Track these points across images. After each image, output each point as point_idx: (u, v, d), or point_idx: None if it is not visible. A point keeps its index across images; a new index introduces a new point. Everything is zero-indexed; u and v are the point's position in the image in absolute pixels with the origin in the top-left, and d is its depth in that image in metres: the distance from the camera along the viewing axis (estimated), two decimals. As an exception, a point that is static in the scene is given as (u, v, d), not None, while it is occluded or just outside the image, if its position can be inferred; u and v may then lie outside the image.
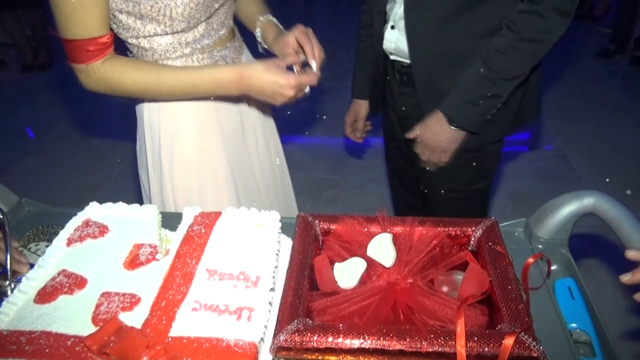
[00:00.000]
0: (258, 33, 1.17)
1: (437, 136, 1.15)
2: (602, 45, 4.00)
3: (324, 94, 3.40)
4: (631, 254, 0.69)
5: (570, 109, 3.27)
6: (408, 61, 1.17)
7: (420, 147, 1.20)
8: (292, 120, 3.21)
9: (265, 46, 1.16)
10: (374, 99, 1.41)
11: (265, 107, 1.25)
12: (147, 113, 1.09)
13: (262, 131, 1.26)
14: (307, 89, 0.99)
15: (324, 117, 3.21)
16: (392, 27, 1.19)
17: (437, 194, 1.33)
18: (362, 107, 1.46)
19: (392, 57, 1.24)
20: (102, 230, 0.85)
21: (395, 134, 1.41)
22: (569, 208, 0.89)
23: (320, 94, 3.35)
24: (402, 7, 1.11)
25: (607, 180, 2.55)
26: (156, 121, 1.09)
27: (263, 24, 1.15)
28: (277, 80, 0.94)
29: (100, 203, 0.92)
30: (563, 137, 2.97)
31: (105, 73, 0.93)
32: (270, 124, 1.31)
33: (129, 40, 1.01)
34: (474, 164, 1.25)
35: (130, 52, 1.05)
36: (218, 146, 1.12)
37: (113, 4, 0.93)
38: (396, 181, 1.58)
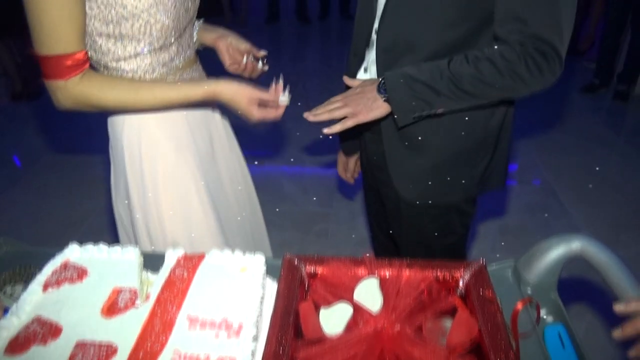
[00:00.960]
0: (195, 26, 1.23)
1: (362, 91, 1.04)
2: (587, 79, 4.09)
3: (313, 124, 3.42)
4: (619, 309, 0.68)
5: (558, 142, 3.31)
6: None
7: (342, 96, 1.06)
8: (282, 150, 3.22)
9: (201, 47, 1.25)
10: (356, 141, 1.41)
11: (229, 128, 1.32)
12: (127, 132, 1.08)
13: (229, 148, 1.30)
14: (284, 100, 1.03)
15: (314, 148, 3.22)
16: (365, 70, 1.17)
17: (408, 241, 1.31)
18: (351, 157, 1.48)
19: None
20: (81, 273, 0.82)
21: (367, 177, 1.40)
22: (557, 252, 0.88)
23: (310, 124, 3.36)
24: (374, 50, 1.10)
25: (594, 212, 2.57)
26: (136, 141, 1.08)
27: (201, 31, 1.24)
28: (246, 110, 1.01)
29: (85, 235, 0.90)
30: (551, 171, 3.00)
31: (83, 88, 0.94)
32: (235, 144, 1.35)
33: (109, 64, 1.02)
34: (440, 221, 1.22)
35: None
36: (195, 167, 1.14)
37: (93, 29, 0.95)
38: (373, 222, 1.56)
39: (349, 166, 1.51)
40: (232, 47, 1.22)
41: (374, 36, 1.11)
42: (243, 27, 5.80)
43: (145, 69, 1.03)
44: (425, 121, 1.07)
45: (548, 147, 3.23)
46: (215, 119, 1.26)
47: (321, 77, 4.28)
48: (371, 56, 1.13)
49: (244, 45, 1.23)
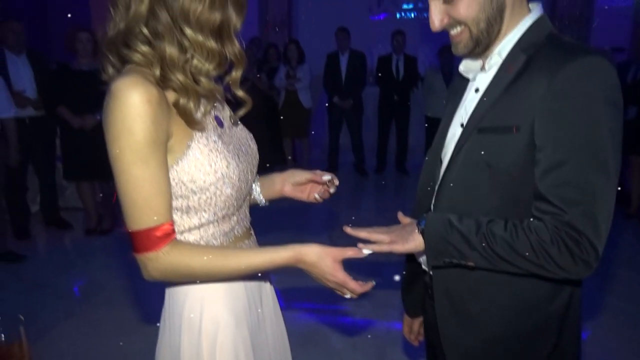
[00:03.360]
0: (257, 189, 1.26)
1: (404, 225, 1.08)
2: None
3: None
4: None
5: (631, 315, 3.04)
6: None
7: (386, 227, 1.09)
8: (331, 299, 3.15)
9: (263, 200, 1.27)
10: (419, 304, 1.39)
11: (275, 296, 1.28)
12: (189, 304, 1.07)
13: (274, 315, 1.26)
14: (348, 295, 1.03)
15: (365, 298, 3.14)
16: None
17: None
18: (415, 319, 1.45)
19: (423, 267, 1.21)
20: None
21: (428, 337, 1.35)
22: None
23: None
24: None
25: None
26: (197, 315, 1.07)
27: (262, 180, 1.27)
28: (331, 275, 0.99)
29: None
30: (627, 346, 2.71)
31: (173, 258, 0.95)
32: (279, 310, 1.30)
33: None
34: None
35: None
36: (249, 341, 1.11)
37: None
38: None
39: (413, 328, 1.47)
40: (296, 187, 1.26)
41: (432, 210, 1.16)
42: (303, 177, 6.17)
43: (208, 239, 1.06)
44: (479, 294, 1.06)
45: (620, 319, 2.97)
46: (266, 287, 1.25)
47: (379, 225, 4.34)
48: None
49: (303, 177, 1.26)
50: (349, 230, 1.05)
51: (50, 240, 4.40)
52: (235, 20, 0.99)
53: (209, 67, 0.98)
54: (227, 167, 1.02)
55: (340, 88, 6.05)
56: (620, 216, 4.70)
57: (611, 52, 4.84)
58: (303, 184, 1.28)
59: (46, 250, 4.25)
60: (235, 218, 1.11)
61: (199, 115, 1.00)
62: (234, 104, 1.14)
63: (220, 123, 1.08)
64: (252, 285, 1.17)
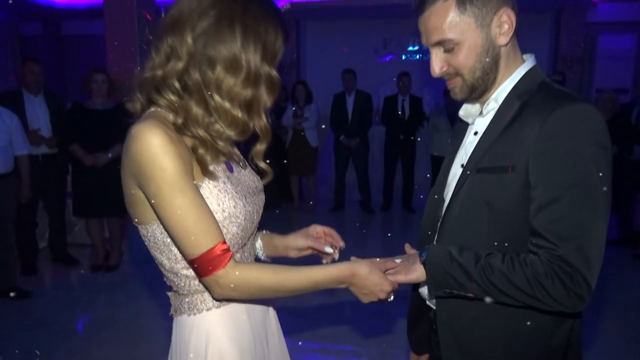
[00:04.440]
0: (259, 245, 1.29)
1: (409, 256, 1.17)
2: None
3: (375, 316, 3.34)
4: None
5: (645, 357, 2.97)
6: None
7: (395, 261, 1.16)
8: (338, 337, 3.10)
9: (263, 257, 1.31)
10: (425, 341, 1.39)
11: (280, 327, 1.31)
12: (195, 335, 1.09)
13: (279, 346, 1.27)
14: (392, 297, 1.11)
15: (371, 338, 3.09)
16: None
17: None
18: (421, 356, 1.45)
19: (427, 302, 1.25)
20: None
21: None
22: None
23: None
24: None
25: None
26: (202, 347, 1.08)
27: (264, 236, 1.31)
28: (380, 283, 1.07)
29: None
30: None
31: (241, 272, 0.99)
32: (283, 341, 1.32)
33: (180, 272, 1.07)
34: None
35: (177, 285, 1.10)
36: None
37: (170, 240, 1.02)
38: None
39: None
40: (300, 251, 1.31)
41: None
42: (310, 214, 6.20)
43: None
44: (482, 329, 1.09)
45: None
46: (272, 324, 1.27)
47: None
48: None
49: (305, 244, 1.30)
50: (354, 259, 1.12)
51: (56, 277, 4.41)
52: (266, 98, 1.05)
53: (230, 133, 1.03)
54: (234, 207, 1.05)
55: (347, 127, 6.15)
56: (627, 256, 4.64)
57: (615, 93, 4.90)
58: (305, 250, 1.32)
59: (52, 286, 4.25)
60: (239, 255, 1.14)
61: (212, 166, 1.05)
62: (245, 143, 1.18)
63: (230, 168, 1.13)
64: (257, 320, 1.19)
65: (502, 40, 1.06)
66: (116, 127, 4.13)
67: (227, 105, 1.00)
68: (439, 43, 1.07)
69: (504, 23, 1.05)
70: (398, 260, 1.15)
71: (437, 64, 1.10)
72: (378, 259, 1.12)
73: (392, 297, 1.12)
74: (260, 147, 1.09)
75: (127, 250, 4.57)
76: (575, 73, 7.34)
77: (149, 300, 3.68)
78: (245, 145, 1.16)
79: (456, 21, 1.03)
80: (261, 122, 1.05)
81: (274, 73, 1.05)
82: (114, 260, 4.38)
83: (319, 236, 1.32)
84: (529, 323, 1.06)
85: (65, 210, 4.53)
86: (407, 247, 1.23)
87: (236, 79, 0.99)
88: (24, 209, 3.99)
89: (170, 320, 1.17)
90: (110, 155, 4.09)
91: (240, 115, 1.01)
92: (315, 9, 7.22)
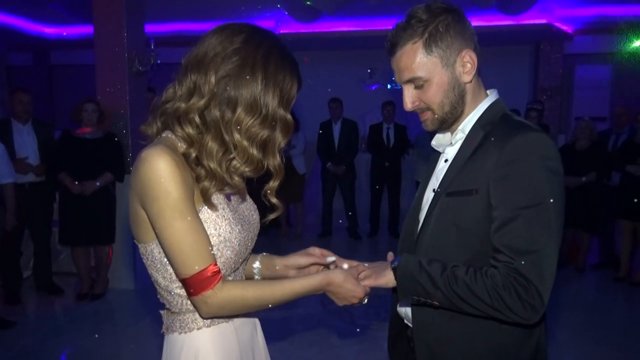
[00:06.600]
0: (257, 266, 1.33)
1: (382, 262, 1.27)
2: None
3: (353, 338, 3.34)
4: None
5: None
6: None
7: (364, 265, 1.28)
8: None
9: (259, 278, 1.33)
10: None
11: (265, 346, 1.35)
12: (185, 353, 1.13)
13: None
14: (366, 300, 1.20)
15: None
16: None
17: None
18: None
19: (405, 321, 1.32)
20: None
21: None
22: None
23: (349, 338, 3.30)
24: None
25: None
26: None
27: (264, 258, 1.35)
28: (353, 290, 1.16)
29: None
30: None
31: (228, 291, 1.06)
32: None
33: (174, 290, 1.12)
34: None
35: (170, 303, 1.15)
36: None
37: (166, 260, 1.07)
38: None
39: None
40: (300, 270, 1.34)
41: None
42: (298, 240, 6.22)
43: None
44: (456, 343, 1.17)
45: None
46: (259, 345, 1.31)
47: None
48: None
49: (306, 261, 1.34)
50: (328, 256, 1.30)
51: (40, 306, 4.35)
52: (281, 139, 1.13)
53: (245, 169, 1.10)
54: (230, 232, 1.12)
55: (334, 155, 6.25)
56: (609, 280, 4.73)
57: (593, 121, 5.07)
58: (306, 267, 1.36)
59: (36, 315, 4.19)
60: (230, 278, 1.18)
61: (213, 198, 1.11)
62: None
63: (229, 197, 1.19)
64: (245, 338, 1.23)
65: (466, 78, 1.18)
66: (105, 156, 4.16)
67: (245, 143, 1.07)
68: (410, 80, 1.18)
69: (467, 63, 1.16)
70: (367, 264, 1.25)
71: (409, 99, 1.21)
72: (348, 266, 1.25)
73: (366, 300, 1.20)
74: (274, 184, 1.16)
75: (114, 279, 4.52)
76: (555, 103, 7.57)
77: (135, 328, 3.64)
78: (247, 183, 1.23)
79: (424, 61, 1.15)
80: (275, 161, 1.13)
81: (289, 117, 1.12)
82: (99, 289, 4.35)
83: (320, 255, 1.37)
84: (498, 337, 1.15)
85: (50, 238, 4.51)
86: (390, 256, 1.32)
87: (254, 119, 1.07)
88: (9, 237, 3.97)
89: (156, 348, 1.20)
90: (98, 183, 4.11)
91: (256, 153, 1.09)
92: (303, 40, 7.39)
